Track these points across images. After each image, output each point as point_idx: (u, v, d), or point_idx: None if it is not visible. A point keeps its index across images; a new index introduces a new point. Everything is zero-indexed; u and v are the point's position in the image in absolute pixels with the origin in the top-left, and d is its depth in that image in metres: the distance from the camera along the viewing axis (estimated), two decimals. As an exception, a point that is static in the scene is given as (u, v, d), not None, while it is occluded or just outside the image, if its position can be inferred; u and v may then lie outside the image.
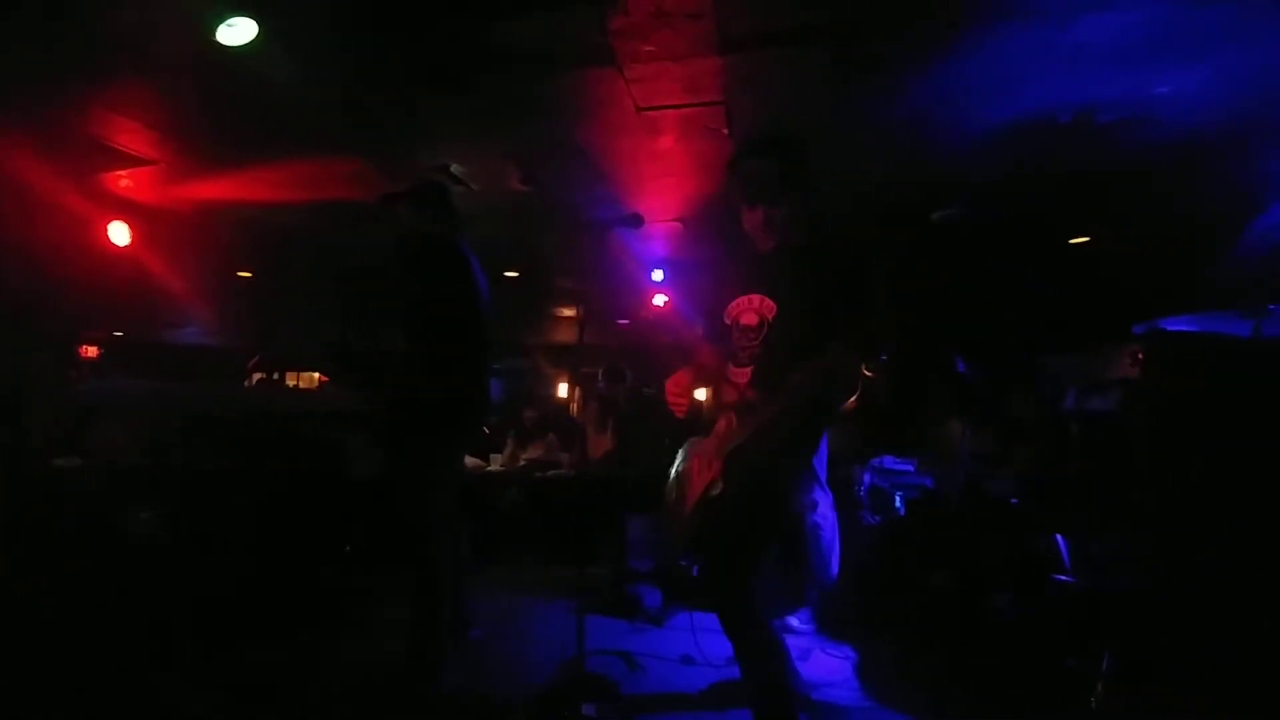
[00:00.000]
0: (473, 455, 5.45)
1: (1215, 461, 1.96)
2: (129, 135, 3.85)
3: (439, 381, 2.67)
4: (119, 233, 4.73)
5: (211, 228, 5.20)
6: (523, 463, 5.48)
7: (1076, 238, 5.03)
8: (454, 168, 4.11)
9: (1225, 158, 3.69)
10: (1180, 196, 4.09)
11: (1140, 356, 2.06)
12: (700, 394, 2.23)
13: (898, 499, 3.41)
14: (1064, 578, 2.34)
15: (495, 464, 5.52)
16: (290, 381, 8.34)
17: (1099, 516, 2.27)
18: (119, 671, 2.70)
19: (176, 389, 5.39)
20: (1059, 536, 2.39)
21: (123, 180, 4.46)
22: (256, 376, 6.67)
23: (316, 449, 4.34)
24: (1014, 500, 2.77)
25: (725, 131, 3.70)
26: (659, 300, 5.75)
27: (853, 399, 1.80)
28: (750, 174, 2.09)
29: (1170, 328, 2.45)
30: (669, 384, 2.14)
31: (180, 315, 7.45)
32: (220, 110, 3.56)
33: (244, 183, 4.45)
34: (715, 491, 2.01)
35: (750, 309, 2.10)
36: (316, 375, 7.91)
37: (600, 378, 5.65)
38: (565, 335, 9.32)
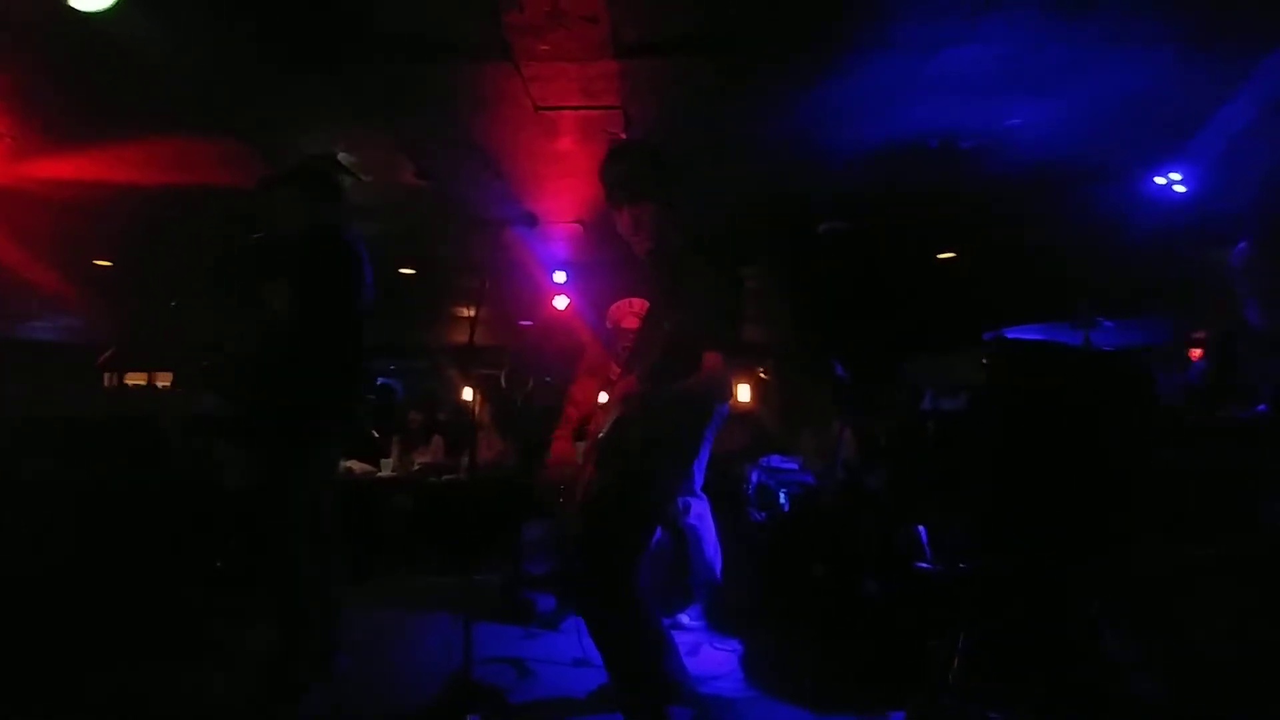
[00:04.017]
0: (362, 461, 5.24)
1: (1042, 455, 2.19)
2: (-36, 103, 3.46)
3: (311, 384, 2.53)
4: (-49, 212, 4.26)
5: (65, 211, 4.72)
6: (416, 467, 5.30)
7: (944, 253, 5.46)
8: (341, 155, 3.93)
9: (1073, 185, 4.12)
10: (1030, 218, 4.53)
11: (985, 361, 2.27)
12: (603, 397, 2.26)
13: (782, 496, 3.57)
14: (924, 565, 2.54)
15: (385, 469, 5.31)
16: (157, 382, 7.68)
17: (952, 507, 2.48)
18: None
19: (20, 389, 4.88)
20: (920, 527, 2.59)
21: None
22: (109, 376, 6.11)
23: (179, 456, 4.02)
24: (881, 494, 2.98)
25: (623, 136, 3.76)
26: (560, 302, 5.74)
27: (750, 401, 1.88)
28: (610, 179, 2.14)
29: (1012, 336, 2.74)
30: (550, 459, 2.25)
31: (28, 307, 6.76)
32: (75, 79, 3.25)
33: (103, 162, 4.06)
34: (592, 488, 2.04)
35: (630, 312, 2.17)
36: (169, 375, 7.29)
37: (503, 379, 5.57)
38: (465, 336, 9.12)
